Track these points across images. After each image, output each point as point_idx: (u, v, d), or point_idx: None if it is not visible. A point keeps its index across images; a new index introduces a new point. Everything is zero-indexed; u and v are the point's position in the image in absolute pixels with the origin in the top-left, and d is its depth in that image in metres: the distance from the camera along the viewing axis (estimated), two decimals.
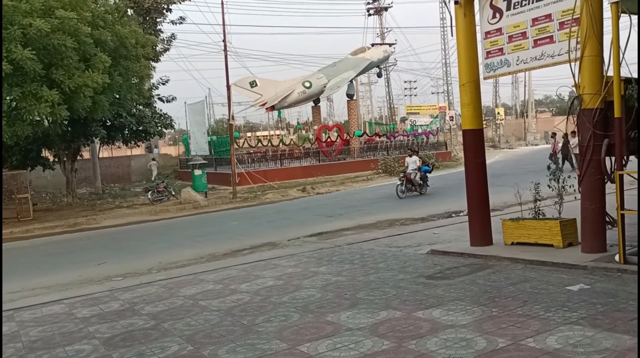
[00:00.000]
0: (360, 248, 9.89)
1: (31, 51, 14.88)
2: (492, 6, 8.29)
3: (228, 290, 7.51)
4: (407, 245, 9.83)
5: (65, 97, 16.05)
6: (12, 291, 9.18)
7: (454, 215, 13.78)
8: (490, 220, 8.63)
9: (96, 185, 29.29)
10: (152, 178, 31.88)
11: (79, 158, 25.54)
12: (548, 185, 8.19)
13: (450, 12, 8.66)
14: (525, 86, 61.91)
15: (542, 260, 7.13)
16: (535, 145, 51.70)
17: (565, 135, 23.39)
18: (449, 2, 8.66)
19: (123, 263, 10.97)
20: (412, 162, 19.31)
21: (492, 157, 34.14)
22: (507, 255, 7.60)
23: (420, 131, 39.46)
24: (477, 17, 8.57)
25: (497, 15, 8.21)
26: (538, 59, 7.79)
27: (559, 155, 23.80)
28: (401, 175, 19.24)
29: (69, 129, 21.03)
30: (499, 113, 59.23)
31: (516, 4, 8.00)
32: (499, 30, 8.21)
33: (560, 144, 23.72)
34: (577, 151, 22.25)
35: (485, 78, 8.58)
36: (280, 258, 9.67)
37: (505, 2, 8.10)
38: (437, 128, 40.52)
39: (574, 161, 21.34)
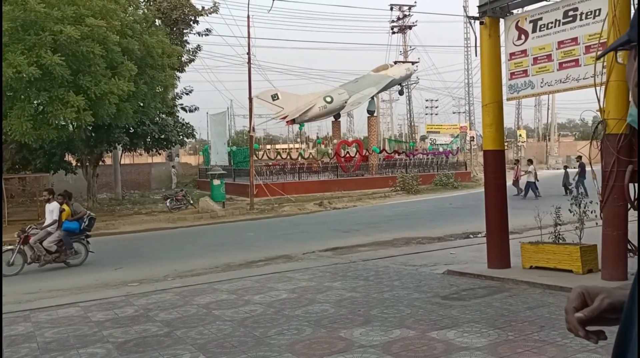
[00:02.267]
0: (376, 265, 9.82)
1: (60, 56, 15.22)
2: (517, 28, 8.27)
3: (242, 300, 7.51)
4: (423, 263, 9.75)
5: (91, 103, 16.35)
6: (29, 292, 9.32)
7: (471, 236, 13.64)
8: (509, 243, 8.52)
9: (116, 191, 29.66)
10: (173, 186, 32.32)
11: (101, 163, 25.94)
12: (569, 210, 8.07)
13: (475, 33, 8.67)
14: (548, 109, 61.31)
15: (560, 285, 7.00)
16: (557, 169, 50.98)
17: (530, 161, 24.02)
18: (474, 22, 8.66)
19: (139, 269, 11.06)
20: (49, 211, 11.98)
21: (511, 179, 33.75)
22: (525, 279, 7.48)
23: (440, 149, 39.25)
24: (502, 38, 8.56)
25: (523, 36, 8.19)
26: (563, 82, 7.74)
27: (521, 181, 24.17)
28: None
29: (93, 134, 21.41)
30: (520, 135, 58.71)
31: (542, 26, 7.97)
32: (524, 52, 8.19)
33: (523, 172, 24.25)
34: (530, 178, 23.05)
35: (508, 99, 8.55)
36: (295, 271, 9.66)
37: (531, 24, 8.08)
38: (458, 148, 40.29)
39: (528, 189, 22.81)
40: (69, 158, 25.76)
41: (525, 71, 8.14)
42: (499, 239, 8.40)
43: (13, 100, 16.08)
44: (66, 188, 30.60)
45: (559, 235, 8.07)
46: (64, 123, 17.07)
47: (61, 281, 10.17)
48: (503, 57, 8.55)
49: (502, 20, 8.53)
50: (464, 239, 13.28)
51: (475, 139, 43.54)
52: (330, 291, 7.72)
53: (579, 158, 23.91)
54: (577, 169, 22.87)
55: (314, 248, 12.60)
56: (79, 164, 25.06)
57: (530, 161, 24.58)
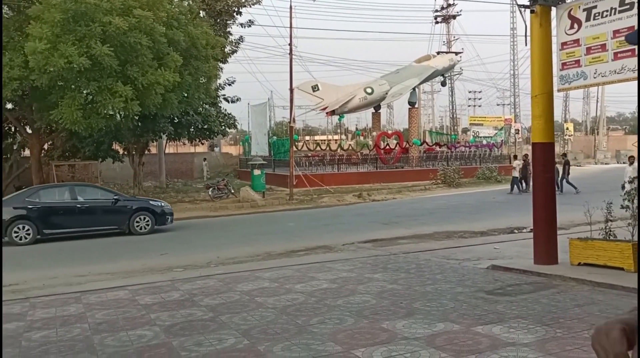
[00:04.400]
0: (417, 258, 9.74)
1: (109, 47, 15.63)
2: (570, 16, 7.99)
3: (283, 289, 7.59)
4: (465, 258, 9.60)
5: (138, 93, 16.75)
6: (79, 274, 9.68)
7: (516, 231, 13.35)
8: (557, 238, 8.29)
9: (160, 179, 30.40)
10: (204, 177, 33.02)
11: (146, 152, 26.59)
12: (621, 206, 7.78)
13: (525, 21, 8.42)
14: (597, 101, 59.15)
15: (611, 283, 6.77)
16: (606, 164, 49.23)
17: (525, 156, 23.85)
18: (525, 11, 8.41)
19: (183, 256, 11.32)
20: None
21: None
22: (573, 276, 7.27)
23: (484, 142, 38.41)
24: (553, 27, 8.28)
25: (576, 25, 7.91)
26: (618, 73, 7.44)
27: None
28: None
29: (139, 124, 21.94)
30: (567, 128, 56.89)
31: (597, 14, 7.67)
32: (577, 41, 7.90)
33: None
34: (515, 173, 22.55)
35: (559, 90, 8.28)
36: (335, 262, 9.69)
37: (585, 12, 7.79)
38: (502, 140, 39.33)
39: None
40: (116, 146, 26.50)
41: (577, 61, 7.86)
42: (547, 234, 8.18)
43: (64, 90, 16.64)
44: (113, 175, 31.68)
45: (610, 231, 7.80)
46: (112, 112, 17.55)
47: (109, 265, 10.51)
48: (554, 47, 8.28)
49: (553, 9, 8.26)
50: (508, 234, 13.00)
51: (520, 132, 42.43)
52: (371, 283, 7.70)
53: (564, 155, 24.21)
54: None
55: (354, 240, 12.59)
56: (125, 152, 25.76)
57: (515, 157, 26.48)
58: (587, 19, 7.74)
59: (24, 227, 13.58)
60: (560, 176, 22.78)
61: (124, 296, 7.58)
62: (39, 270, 10.35)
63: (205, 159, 36.56)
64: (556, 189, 22.61)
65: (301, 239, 13.13)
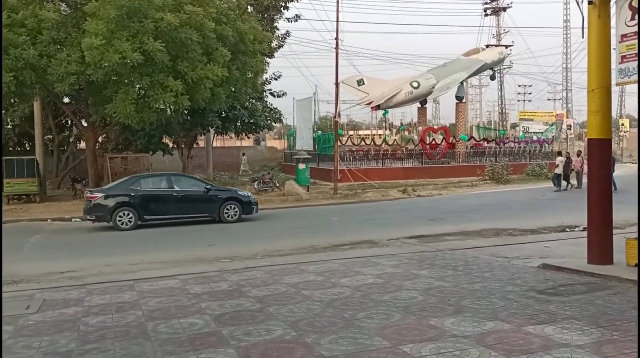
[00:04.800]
0: (464, 255, 9.60)
1: (161, 43, 16.06)
2: (631, 7, 7.63)
3: (329, 282, 7.63)
4: (515, 256, 9.39)
5: (188, 88, 17.16)
6: (132, 263, 10.04)
7: (567, 230, 12.96)
8: (612, 238, 7.98)
9: (208, 172, 31.01)
10: (240, 172, 33.53)
11: (195, 145, 27.20)
12: None
13: (582, 13, 8.11)
14: None
15: None
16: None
17: (568, 153, 23.06)
18: (582, 2, 8.10)
19: (230, 247, 11.55)
20: None
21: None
22: (630, 277, 6.99)
23: (534, 138, 37.28)
24: (612, 18, 7.95)
25: (637, 17, 7.55)
26: None
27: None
28: None
29: (189, 118, 22.47)
30: (623, 124, 54.47)
31: None
32: (638, 33, 7.54)
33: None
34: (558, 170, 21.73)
35: (617, 84, 7.95)
36: (380, 257, 9.66)
37: None
38: (553, 136, 38.06)
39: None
40: (166, 140, 27.23)
41: (638, 54, 7.51)
42: (602, 234, 7.89)
43: (118, 84, 17.21)
44: (163, 168, 32.52)
45: None
46: (163, 107, 18.05)
47: (160, 254, 10.84)
48: (613, 40, 7.94)
49: (613, 0, 7.92)
50: (559, 232, 12.63)
51: (572, 128, 40.97)
52: (418, 279, 7.65)
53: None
54: None
55: (399, 235, 12.52)
56: (175, 146, 26.42)
57: (559, 153, 26.42)
58: None
59: (127, 213, 14.59)
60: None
61: (174, 285, 7.81)
62: (94, 257, 10.79)
63: (244, 153, 36.89)
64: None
65: (345, 233, 13.16)
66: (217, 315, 6.06)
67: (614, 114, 59.73)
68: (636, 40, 7.56)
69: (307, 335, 5.23)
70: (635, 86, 7.48)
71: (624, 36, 7.72)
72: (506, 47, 39.47)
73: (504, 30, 47.40)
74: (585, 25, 8.11)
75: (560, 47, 60.23)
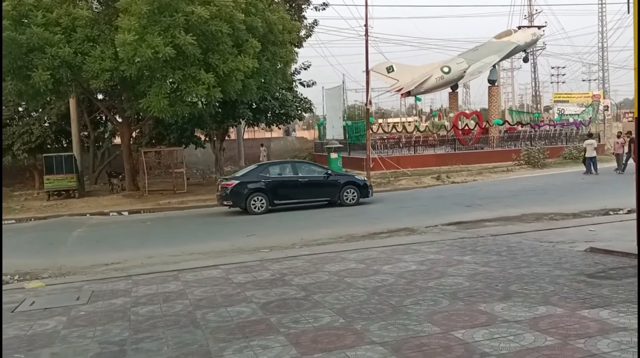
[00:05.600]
0: (507, 240, 9.42)
1: (192, 36, 16.15)
2: None
3: (371, 270, 7.59)
4: (559, 240, 9.17)
5: (219, 80, 17.24)
6: (174, 254, 10.19)
7: (611, 213, 12.60)
8: None
9: (240, 164, 31.25)
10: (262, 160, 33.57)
11: (226, 138, 27.40)
12: None
13: None
14: None
15: None
16: None
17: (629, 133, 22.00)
18: None
19: (268, 237, 11.62)
20: None
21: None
22: None
23: (570, 120, 36.30)
24: None
25: None
26: None
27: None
28: None
29: (220, 110, 22.62)
30: None
31: None
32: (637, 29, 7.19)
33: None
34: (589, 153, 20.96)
35: None
36: (420, 244, 9.57)
37: None
38: (590, 118, 37.00)
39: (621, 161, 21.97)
40: (198, 133, 27.51)
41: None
42: None
43: (151, 79, 17.40)
44: (195, 161, 32.90)
45: None
46: (195, 100, 18.20)
47: (201, 245, 10.98)
48: None
49: None
50: (602, 216, 12.30)
51: (610, 109, 39.72)
52: (462, 265, 7.53)
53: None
54: None
55: (436, 222, 12.39)
56: (207, 139, 26.66)
57: (590, 135, 25.68)
58: None
59: (259, 199, 15.69)
60: (627, 155, 21.48)
61: (217, 275, 7.88)
62: (136, 249, 11.00)
63: (262, 144, 36.52)
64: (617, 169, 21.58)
65: (381, 221, 13.09)
66: (263, 304, 6.09)
67: None
68: None
69: (355, 322, 5.21)
70: None
71: None
72: (539, 27, 38.48)
73: (536, 10, 46.22)
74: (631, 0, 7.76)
75: (595, 26, 58.34)
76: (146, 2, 15.81)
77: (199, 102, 19.18)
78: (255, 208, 15.55)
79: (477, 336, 4.59)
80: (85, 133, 27.31)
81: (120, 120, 23.34)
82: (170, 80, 17.77)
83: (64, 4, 17.37)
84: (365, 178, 17.98)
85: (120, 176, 23.40)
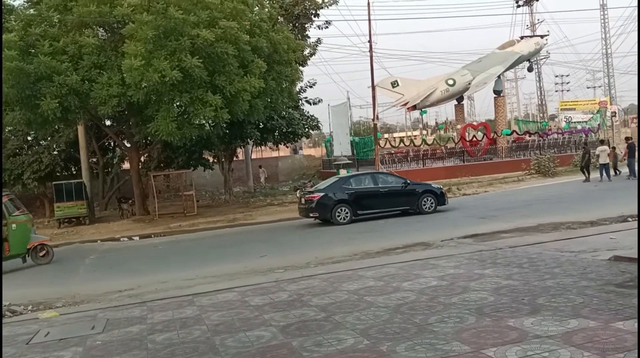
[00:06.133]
0: (527, 252, 9.20)
1: (198, 59, 16.23)
2: None
3: (390, 287, 7.40)
4: (581, 250, 8.94)
5: (226, 101, 17.28)
6: (187, 278, 10.06)
7: (630, 219, 12.31)
8: None
9: (249, 184, 31.25)
10: (261, 182, 33.36)
11: (234, 158, 27.39)
12: None
13: None
14: None
15: None
16: None
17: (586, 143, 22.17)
18: None
19: (282, 257, 11.46)
20: None
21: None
22: None
23: (579, 127, 36.09)
24: None
25: None
26: None
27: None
28: None
29: (227, 131, 22.64)
30: None
31: None
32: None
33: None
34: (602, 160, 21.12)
35: None
36: (438, 259, 9.37)
37: None
38: (598, 125, 36.76)
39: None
40: (206, 155, 27.53)
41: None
42: None
43: (159, 103, 17.46)
44: (204, 182, 32.90)
45: None
46: (203, 122, 18.22)
47: (213, 268, 10.83)
48: None
49: None
50: (621, 223, 12.02)
51: (617, 115, 39.48)
52: (483, 279, 7.34)
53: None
54: None
55: (452, 235, 12.19)
56: (215, 160, 26.66)
57: (601, 142, 25.36)
58: None
59: (344, 210, 16.21)
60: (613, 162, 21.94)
61: (233, 298, 7.73)
62: (149, 275, 10.87)
63: (261, 166, 35.69)
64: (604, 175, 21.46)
65: (396, 236, 12.90)
66: (283, 327, 5.92)
67: None
68: None
69: (380, 343, 5.03)
70: None
71: None
72: (542, 37, 38.55)
73: (538, 20, 46.28)
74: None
75: (598, 33, 58.33)
76: (152, 28, 15.93)
77: (206, 124, 19.20)
78: (340, 218, 16.08)
79: (509, 354, 4.40)
80: (94, 159, 27.42)
81: (128, 145, 23.41)
82: (178, 103, 17.81)
83: (70, 33, 17.53)
84: (441, 187, 18.48)
85: (130, 201, 23.39)
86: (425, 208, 16.84)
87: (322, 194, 16.35)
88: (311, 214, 16.50)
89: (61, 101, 16.80)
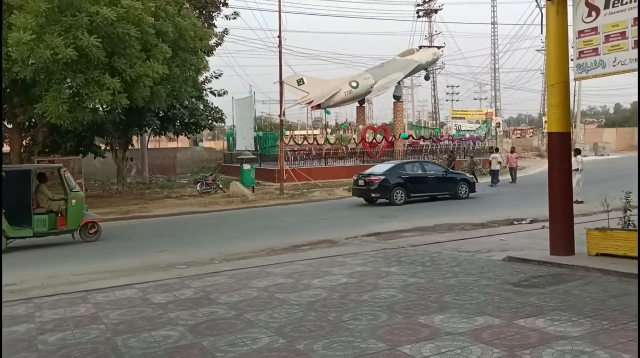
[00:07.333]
0: (427, 251, 9.59)
1: (97, 38, 15.07)
2: (587, 4, 7.88)
3: (301, 284, 7.34)
4: (476, 250, 9.49)
5: (126, 85, 16.21)
6: (77, 273, 9.28)
7: (515, 223, 13.33)
8: (574, 229, 8.20)
9: (144, 175, 29.72)
10: (130, 178, 30.56)
11: (129, 147, 25.91)
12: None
13: (541, 10, 8.29)
14: (575, 95, 59.97)
15: (637, 273, 6.68)
16: (585, 156, 49.98)
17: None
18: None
19: (183, 252, 10.97)
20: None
21: (538, 167, 33.23)
22: (596, 266, 7.19)
23: (467, 136, 38.66)
24: (569, 15, 8.18)
25: (593, 13, 7.80)
26: (637, 61, 7.35)
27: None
28: None
29: (124, 118, 21.31)
30: (546, 122, 57.66)
31: (615, 2, 7.56)
32: (594, 29, 7.79)
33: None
34: (494, 166, 24.02)
35: (576, 79, 8.19)
36: (345, 256, 9.47)
37: (604, 0, 7.68)
38: (485, 134, 39.64)
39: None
40: (97, 141, 25.76)
41: (595, 50, 7.75)
42: (564, 225, 8.09)
43: (49, 82, 15.98)
44: (93, 171, 30.72)
45: (629, 220, 7.75)
46: (98, 106, 16.98)
47: (108, 263, 10.11)
48: (570, 36, 8.18)
49: None
50: (508, 226, 12.97)
51: (501, 126, 42.79)
52: (391, 277, 7.51)
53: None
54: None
55: (356, 233, 12.42)
56: (108, 148, 25.04)
57: (496, 149, 28.37)
58: (606, 7, 7.63)
59: (400, 192, 18.25)
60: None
61: (133, 295, 7.23)
62: (32, 269, 9.89)
63: (132, 159, 30.59)
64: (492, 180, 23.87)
65: (301, 233, 12.89)
66: (192, 326, 5.61)
67: (534, 113, 63.01)
68: (593, 36, 7.82)
69: (296, 341, 4.92)
70: None
71: (581, 32, 7.96)
72: (438, 48, 40.74)
73: (436, 32, 48.84)
74: (544, 22, 8.29)
75: (488, 49, 62.85)
76: (45, 0, 14.53)
77: (100, 109, 17.91)
78: (397, 199, 18.10)
79: (424, 351, 4.50)
80: None
81: (10, 126, 21.24)
82: (71, 84, 16.43)
83: None
84: (472, 176, 21.12)
85: None
86: (461, 193, 19.22)
87: (382, 177, 18.25)
88: (373, 195, 18.38)
89: None
